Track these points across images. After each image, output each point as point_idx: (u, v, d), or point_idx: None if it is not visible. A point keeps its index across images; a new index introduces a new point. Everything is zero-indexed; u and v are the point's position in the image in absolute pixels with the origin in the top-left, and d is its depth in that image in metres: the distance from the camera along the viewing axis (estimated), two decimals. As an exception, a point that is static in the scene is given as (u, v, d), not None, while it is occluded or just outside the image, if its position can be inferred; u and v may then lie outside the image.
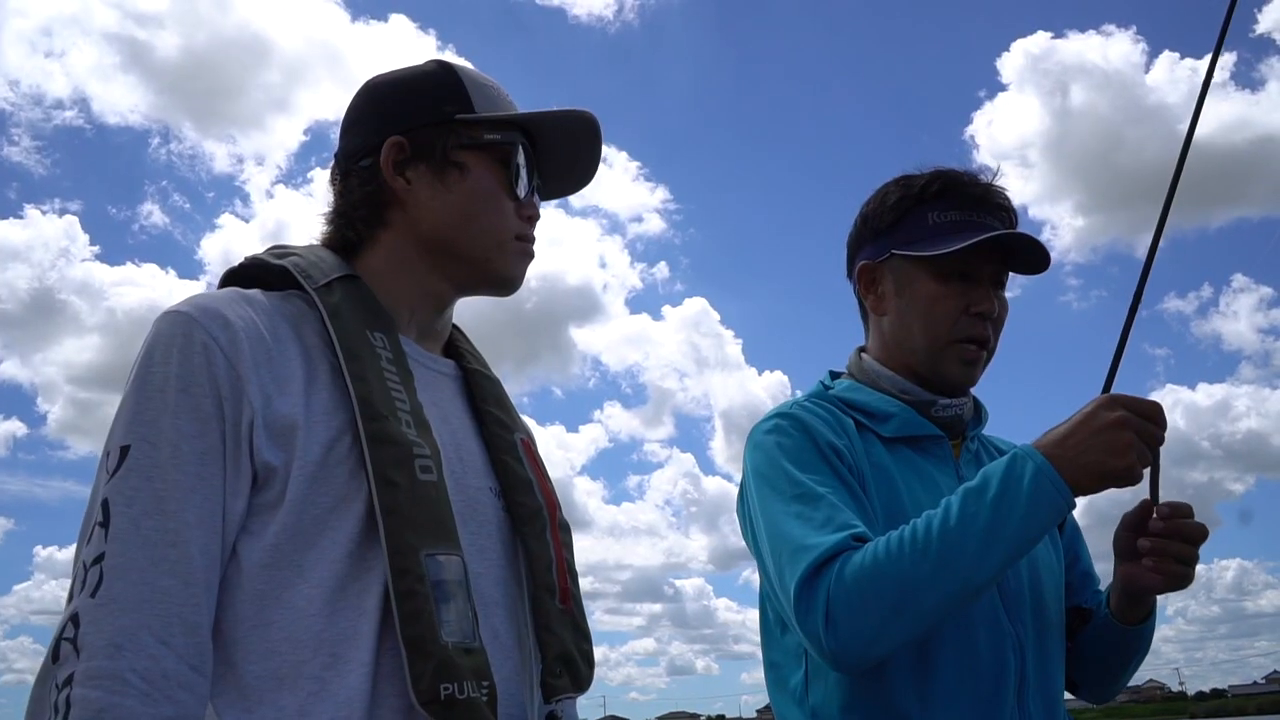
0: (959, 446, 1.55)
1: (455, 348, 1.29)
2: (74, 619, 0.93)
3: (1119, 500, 1.44)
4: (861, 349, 1.63)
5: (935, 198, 1.51)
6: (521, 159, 1.22)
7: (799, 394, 1.63)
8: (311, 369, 1.06)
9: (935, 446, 1.49)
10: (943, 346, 1.49)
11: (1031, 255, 1.51)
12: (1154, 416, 1.27)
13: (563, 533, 1.22)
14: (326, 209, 1.24)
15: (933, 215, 1.51)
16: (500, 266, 1.21)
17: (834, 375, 1.65)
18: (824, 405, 1.52)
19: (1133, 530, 1.40)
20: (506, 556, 1.16)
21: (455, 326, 1.31)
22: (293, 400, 1.03)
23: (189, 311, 1.03)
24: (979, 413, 1.62)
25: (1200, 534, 1.36)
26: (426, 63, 1.25)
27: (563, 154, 1.27)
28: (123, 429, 0.99)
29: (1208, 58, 1.57)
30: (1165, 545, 1.35)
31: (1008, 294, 1.55)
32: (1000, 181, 1.53)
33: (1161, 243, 1.47)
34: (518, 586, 1.16)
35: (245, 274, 1.17)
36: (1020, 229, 1.52)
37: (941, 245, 1.47)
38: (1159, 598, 1.46)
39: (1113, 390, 1.42)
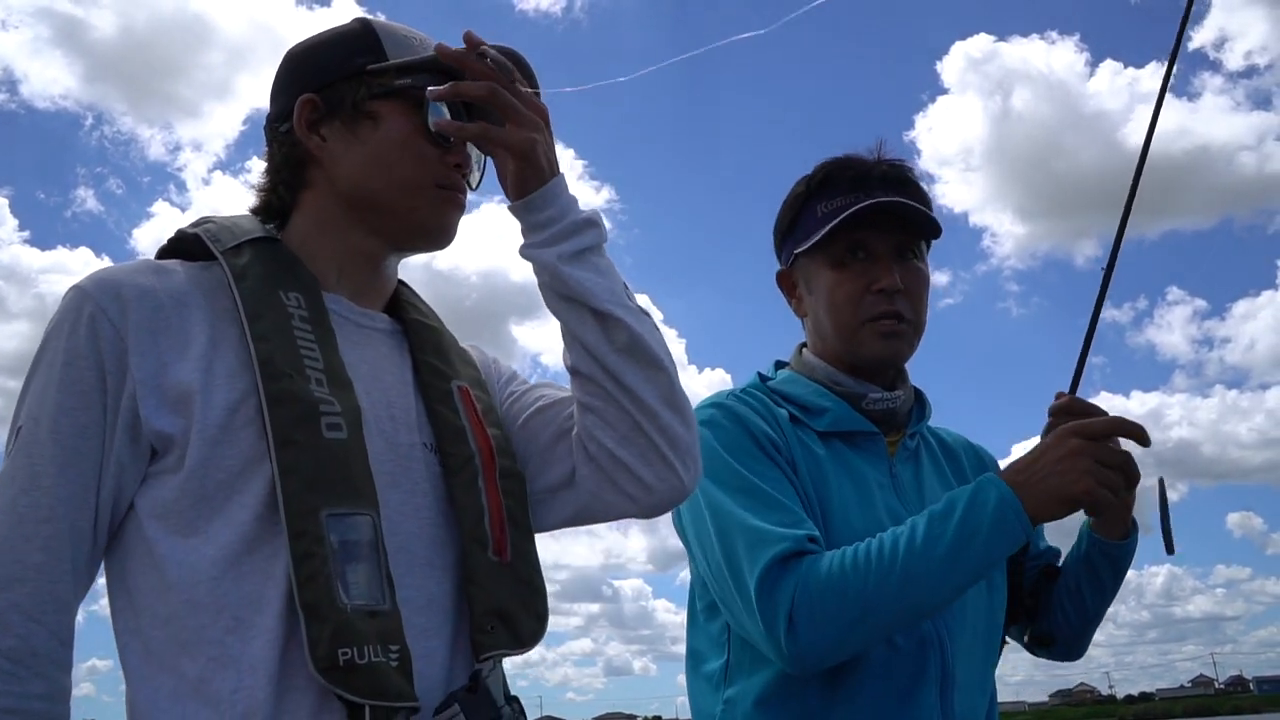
0: (896, 443, 1.54)
1: (401, 303, 1.25)
2: None
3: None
4: (803, 345, 1.65)
5: (820, 189, 1.54)
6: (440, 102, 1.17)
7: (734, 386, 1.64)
8: (218, 334, 1.05)
9: (869, 443, 1.49)
10: (855, 330, 1.50)
11: (922, 216, 1.50)
12: (1106, 434, 1.28)
13: (505, 480, 1.15)
14: (258, 180, 1.22)
15: (820, 207, 1.52)
16: (424, 216, 1.17)
17: (779, 366, 1.66)
18: (757, 396, 1.53)
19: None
20: (444, 514, 1.11)
21: (403, 283, 1.28)
22: (191, 366, 1.01)
23: (84, 285, 1.04)
24: (922, 407, 1.60)
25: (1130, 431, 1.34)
26: (348, 22, 1.23)
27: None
28: (20, 408, 1.02)
29: (1150, 66, 1.65)
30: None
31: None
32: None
33: (1099, 253, 1.52)
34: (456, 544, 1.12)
35: (174, 249, 1.17)
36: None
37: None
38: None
39: (1077, 393, 1.46)
